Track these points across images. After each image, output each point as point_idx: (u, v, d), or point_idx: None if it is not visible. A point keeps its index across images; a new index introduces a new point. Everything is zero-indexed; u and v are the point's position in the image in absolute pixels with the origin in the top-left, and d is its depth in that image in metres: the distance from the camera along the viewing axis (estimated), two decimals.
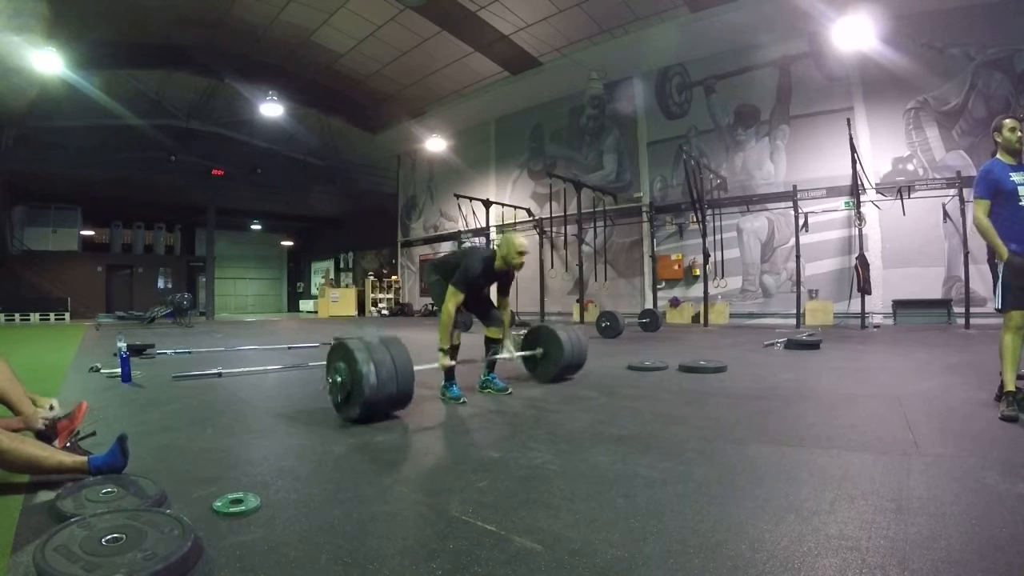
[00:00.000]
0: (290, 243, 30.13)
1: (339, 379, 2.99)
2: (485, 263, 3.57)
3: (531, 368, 4.43)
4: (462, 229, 16.44)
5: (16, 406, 2.30)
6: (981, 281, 8.98)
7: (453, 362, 3.58)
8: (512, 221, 15.47)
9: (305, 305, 26.22)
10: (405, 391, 3.03)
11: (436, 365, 3.52)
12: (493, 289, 3.87)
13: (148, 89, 16.96)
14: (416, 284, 20.55)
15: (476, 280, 3.56)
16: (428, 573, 1.34)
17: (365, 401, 2.84)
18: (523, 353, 4.27)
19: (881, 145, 10.51)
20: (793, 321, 10.70)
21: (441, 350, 3.50)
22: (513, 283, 3.91)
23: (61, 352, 7.31)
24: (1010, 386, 2.84)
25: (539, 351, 4.30)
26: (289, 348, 7.30)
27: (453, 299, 3.48)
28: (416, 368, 3.12)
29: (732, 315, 11.94)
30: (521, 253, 3.54)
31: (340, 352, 3.05)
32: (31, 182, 18.08)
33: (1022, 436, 2.48)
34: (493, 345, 3.84)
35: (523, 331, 4.55)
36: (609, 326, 8.43)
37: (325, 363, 3.22)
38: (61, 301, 18.56)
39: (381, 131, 19.87)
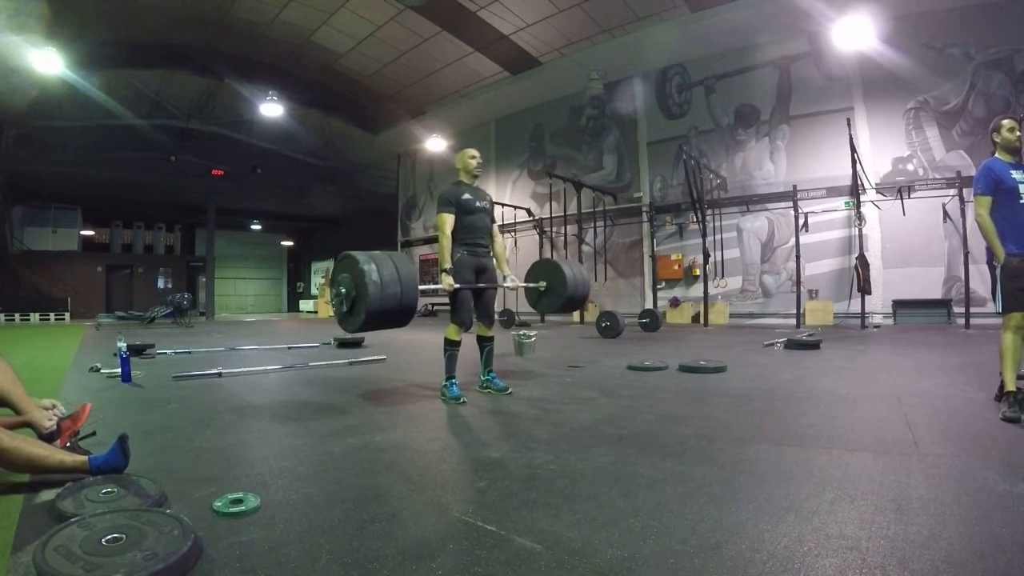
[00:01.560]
0: (290, 243, 30.13)
1: (343, 289, 2.94)
2: (455, 184, 3.77)
3: (534, 301, 4.45)
4: None
5: (18, 406, 2.30)
6: (981, 281, 8.97)
7: (456, 285, 3.55)
8: (512, 221, 15.48)
9: (305, 305, 26.20)
10: (410, 297, 2.98)
11: (442, 285, 3.53)
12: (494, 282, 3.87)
13: (148, 89, 16.98)
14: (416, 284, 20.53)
15: (456, 200, 3.65)
16: (428, 573, 1.34)
17: (369, 303, 2.78)
18: (527, 284, 4.29)
19: (881, 145, 10.51)
20: (793, 321, 10.70)
21: (443, 270, 3.53)
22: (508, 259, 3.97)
23: (61, 352, 7.31)
24: (1011, 386, 2.84)
25: (543, 284, 4.33)
26: (289, 348, 7.30)
27: (446, 224, 3.61)
28: (420, 287, 3.11)
29: (732, 315, 11.94)
30: (473, 157, 3.79)
31: (344, 262, 3.01)
32: (31, 182, 18.08)
33: (1022, 436, 2.48)
34: (486, 343, 3.85)
35: (523, 331, 4.57)
36: (609, 326, 8.43)
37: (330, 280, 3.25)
38: (61, 301, 18.57)
39: (381, 131, 19.87)
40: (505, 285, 3.93)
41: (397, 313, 2.94)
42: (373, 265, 2.80)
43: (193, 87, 17.29)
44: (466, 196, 3.69)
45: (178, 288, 21.19)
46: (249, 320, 18.26)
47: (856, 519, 1.61)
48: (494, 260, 3.92)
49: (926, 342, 7.05)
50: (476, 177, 3.82)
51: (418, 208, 20.78)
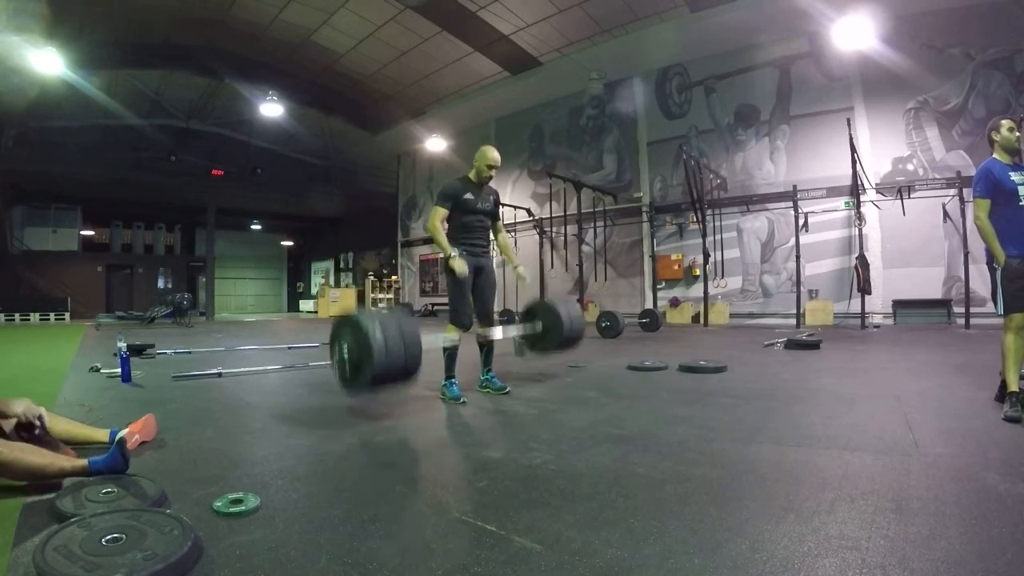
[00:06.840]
0: (290, 243, 30.12)
1: (345, 351, 2.88)
2: (459, 180, 3.72)
3: (531, 344, 4.43)
4: None
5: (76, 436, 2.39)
6: (981, 281, 8.97)
7: (464, 264, 3.49)
8: (512, 221, 15.47)
9: (305, 305, 26.20)
10: (414, 354, 2.91)
11: (455, 270, 3.46)
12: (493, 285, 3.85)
13: (148, 89, 16.97)
14: (416, 284, 20.54)
15: (455, 197, 3.62)
16: (428, 573, 1.34)
17: (375, 365, 2.70)
18: (524, 332, 4.28)
19: (881, 145, 10.51)
20: (793, 321, 10.70)
21: (449, 257, 3.51)
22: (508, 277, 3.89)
23: (61, 352, 7.31)
24: (1013, 387, 2.84)
25: (539, 324, 4.32)
26: (289, 348, 7.29)
27: (437, 216, 3.60)
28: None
29: (732, 315, 11.93)
30: (490, 165, 3.68)
31: (344, 324, 2.94)
32: (31, 182, 18.07)
33: (1022, 436, 2.48)
34: (487, 343, 3.84)
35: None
36: (609, 326, 8.43)
37: (328, 343, 3.13)
38: (61, 301, 18.55)
39: (381, 131, 19.86)
40: (517, 272, 3.91)
41: (404, 367, 2.88)
42: (376, 325, 2.73)
43: (193, 87, 17.27)
44: (467, 196, 3.67)
45: (178, 288, 21.18)
46: (249, 320, 18.25)
47: (856, 519, 1.61)
48: (492, 260, 3.90)
49: (926, 342, 7.05)
50: (486, 181, 3.76)
51: (418, 208, 20.76)
